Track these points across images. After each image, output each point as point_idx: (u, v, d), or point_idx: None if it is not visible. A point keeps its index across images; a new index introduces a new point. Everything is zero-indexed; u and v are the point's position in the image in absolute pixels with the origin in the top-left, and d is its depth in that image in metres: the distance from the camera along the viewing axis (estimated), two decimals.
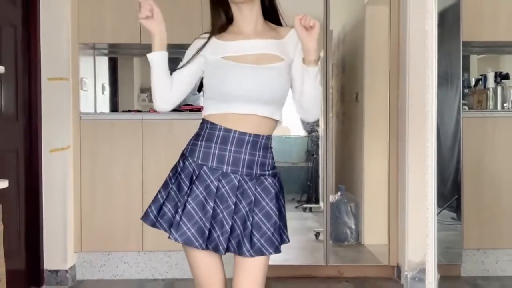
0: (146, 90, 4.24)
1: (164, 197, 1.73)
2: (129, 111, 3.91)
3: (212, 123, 1.74)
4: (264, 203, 1.71)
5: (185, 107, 3.84)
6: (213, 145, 1.71)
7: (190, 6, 3.60)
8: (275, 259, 3.59)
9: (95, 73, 3.92)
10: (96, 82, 3.94)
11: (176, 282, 3.60)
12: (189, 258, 1.74)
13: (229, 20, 1.84)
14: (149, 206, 1.76)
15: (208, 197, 1.67)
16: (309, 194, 5.33)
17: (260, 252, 1.68)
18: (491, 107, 3.82)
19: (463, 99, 3.71)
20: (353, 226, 4.17)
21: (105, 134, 3.61)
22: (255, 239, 1.67)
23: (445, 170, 3.65)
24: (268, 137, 1.76)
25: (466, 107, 3.83)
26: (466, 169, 3.62)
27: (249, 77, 1.70)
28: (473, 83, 4.03)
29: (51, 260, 3.49)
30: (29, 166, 3.39)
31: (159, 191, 1.77)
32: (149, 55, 1.78)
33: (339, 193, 4.22)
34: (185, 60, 1.83)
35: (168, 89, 1.81)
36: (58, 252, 3.50)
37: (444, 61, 3.51)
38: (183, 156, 1.77)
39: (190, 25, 3.58)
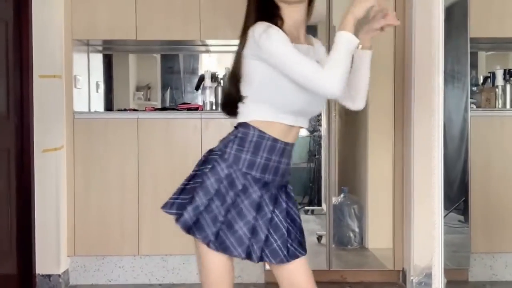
0: (142, 88, 4.21)
1: (205, 204, 1.66)
2: (124, 110, 3.86)
3: (260, 131, 1.68)
4: (289, 209, 1.76)
5: (183, 106, 3.79)
6: (260, 154, 1.68)
7: (187, 2, 3.56)
8: None
9: (89, 70, 3.85)
10: (90, 80, 3.87)
11: (173, 287, 3.52)
12: (207, 261, 1.70)
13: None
14: (186, 210, 1.67)
15: (251, 207, 1.67)
16: (311, 196, 5.29)
17: (294, 256, 1.72)
18: (500, 105, 3.76)
19: (470, 98, 3.65)
20: (357, 229, 4.11)
21: (100, 134, 3.54)
22: (289, 245, 1.71)
23: (452, 171, 3.62)
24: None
25: (474, 106, 3.77)
26: (473, 170, 3.57)
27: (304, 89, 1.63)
28: (481, 80, 3.98)
29: (43, 264, 3.42)
30: (21, 167, 3.33)
31: (198, 195, 1.66)
32: (354, 38, 1.57)
33: (342, 195, 4.18)
34: (294, 50, 1.59)
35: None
36: (50, 256, 3.43)
37: (451, 58, 3.50)
38: (225, 161, 1.68)
39: (188, 23, 3.56)
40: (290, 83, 1.61)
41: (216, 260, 1.68)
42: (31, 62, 3.35)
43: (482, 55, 4.09)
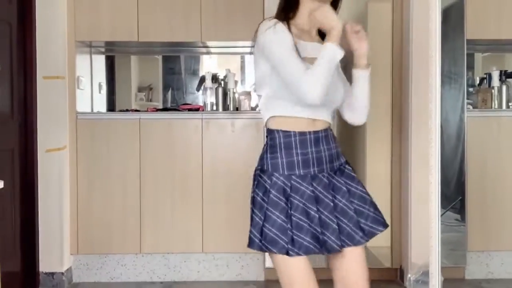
0: (144, 89, 4.21)
1: (263, 219, 1.68)
2: (127, 110, 3.88)
3: (284, 131, 1.70)
4: (354, 189, 1.76)
5: (184, 107, 3.80)
6: (294, 152, 1.69)
7: (189, 4, 3.58)
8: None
9: (92, 71, 3.88)
10: (93, 81, 3.90)
11: (174, 285, 3.55)
12: (290, 269, 1.69)
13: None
14: (251, 231, 1.72)
15: (309, 203, 1.67)
16: None
17: (372, 234, 1.74)
18: (496, 106, 3.77)
19: (467, 98, 3.67)
20: None
21: (102, 134, 3.57)
22: (362, 225, 1.72)
23: (449, 171, 3.61)
24: (330, 128, 1.79)
25: (470, 106, 3.78)
26: (470, 169, 3.58)
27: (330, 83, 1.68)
28: (477, 81, 3.99)
29: (47, 263, 3.44)
30: (25, 166, 3.35)
31: (254, 213, 1.72)
32: (338, 50, 1.64)
33: None
34: (292, 50, 1.66)
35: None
36: (54, 254, 3.45)
37: (448, 60, 3.48)
38: (265, 172, 1.71)
39: (190, 24, 3.58)
40: None
41: (295, 263, 1.67)
42: (35, 64, 3.37)
43: (478, 57, 4.10)
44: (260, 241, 1.67)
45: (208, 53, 4.18)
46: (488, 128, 3.62)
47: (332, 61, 1.63)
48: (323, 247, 1.66)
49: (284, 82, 1.65)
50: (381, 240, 3.73)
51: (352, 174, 1.79)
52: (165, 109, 3.87)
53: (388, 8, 3.63)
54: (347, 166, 1.80)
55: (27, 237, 3.35)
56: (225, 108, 3.76)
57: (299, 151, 1.69)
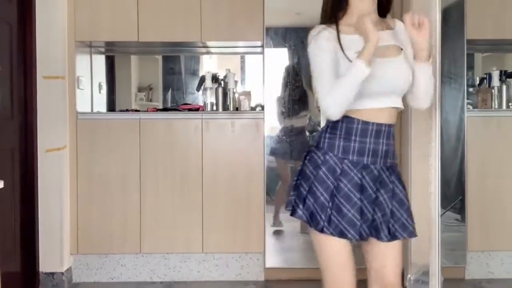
0: (144, 89, 4.21)
1: (307, 189, 1.76)
2: (127, 110, 3.89)
3: (348, 117, 1.75)
4: (398, 191, 1.80)
5: (184, 107, 3.81)
6: (353, 138, 1.74)
7: (189, 4, 3.58)
8: (276, 261, 3.55)
9: (92, 71, 3.88)
10: (93, 81, 3.90)
11: (174, 285, 3.55)
12: (325, 248, 1.76)
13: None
14: (295, 201, 1.79)
15: (354, 189, 1.72)
16: None
17: (394, 237, 1.77)
18: (496, 106, 3.78)
19: (467, 98, 3.67)
20: None
21: (102, 134, 3.57)
22: (390, 225, 1.76)
23: (449, 171, 3.61)
24: (394, 126, 1.82)
25: (470, 106, 3.79)
26: (470, 169, 3.58)
27: (388, 71, 1.73)
28: (477, 81, 4.00)
29: (47, 262, 3.44)
30: (25, 166, 3.35)
31: (301, 183, 1.79)
32: (366, 69, 1.68)
33: None
34: (326, 64, 1.74)
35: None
36: (54, 254, 3.45)
37: (448, 60, 3.49)
38: (320, 149, 1.79)
39: (190, 24, 3.59)
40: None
41: (334, 245, 1.73)
42: (35, 64, 3.38)
43: (478, 57, 4.10)
44: (301, 210, 1.75)
45: (208, 53, 4.19)
46: (488, 128, 3.62)
47: (356, 79, 1.68)
48: (358, 234, 1.72)
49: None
50: None
51: (401, 177, 1.83)
52: (165, 109, 3.87)
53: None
54: (398, 167, 1.85)
55: (27, 237, 3.35)
56: (225, 108, 3.76)
57: (358, 138, 1.74)
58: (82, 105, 3.69)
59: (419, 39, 1.76)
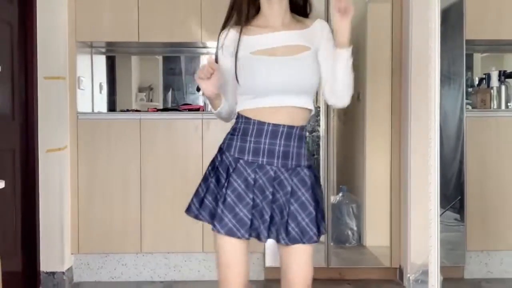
0: (144, 89, 4.22)
1: (205, 190, 1.78)
2: (127, 110, 3.90)
3: (246, 118, 1.77)
4: (300, 194, 1.75)
5: (184, 107, 3.82)
6: (248, 139, 1.75)
7: (189, 5, 3.58)
8: (276, 261, 3.56)
9: (93, 72, 3.89)
10: (94, 81, 3.90)
11: (174, 284, 3.56)
12: (216, 244, 1.78)
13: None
14: (191, 200, 1.82)
15: (247, 189, 1.72)
16: None
17: (294, 241, 1.74)
18: (495, 106, 3.78)
19: (466, 98, 3.68)
20: (355, 228, 4.12)
21: (103, 134, 3.58)
22: (290, 228, 1.74)
23: (448, 171, 3.62)
24: (303, 128, 1.79)
25: (469, 107, 3.80)
26: (469, 169, 3.59)
27: (280, 69, 1.73)
28: (476, 82, 4.01)
29: (47, 262, 3.45)
30: (26, 166, 3.35)
31: (200, 184, 1.83)
32: (216, 113, 1.86)
33: (340, 194, 4.18)
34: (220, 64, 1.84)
35: (232, 109, 1.88)
36: (55, 253, 3.46)
37: (447, 60, 3.49)
38: (221, 150, 1.81)
39: (190, 25, 3.59)
40: (244, 73, 1.75)
41: (223, 243, 1.74)
42: (36, 64, 3.37)
43: (477, 57, 4.11)
44: (197, 209, 1.78)
45: (208, 53, 4.18)
46: (487, 128, 3.63)
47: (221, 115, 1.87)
48: (253, 233, 1.73)
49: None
50: (381, 240, 3.76)
51: (307, 180, 1.76)
52: (165, 109, 3.88)
53: (388, 8, 3.64)
54: (305, 170, 1.78)
55: (28, 237, 3.36)
56: None
57: (253, 138, 1.74)
58: (83, 105, 3.70)
59: (340, 24, 1.69)
